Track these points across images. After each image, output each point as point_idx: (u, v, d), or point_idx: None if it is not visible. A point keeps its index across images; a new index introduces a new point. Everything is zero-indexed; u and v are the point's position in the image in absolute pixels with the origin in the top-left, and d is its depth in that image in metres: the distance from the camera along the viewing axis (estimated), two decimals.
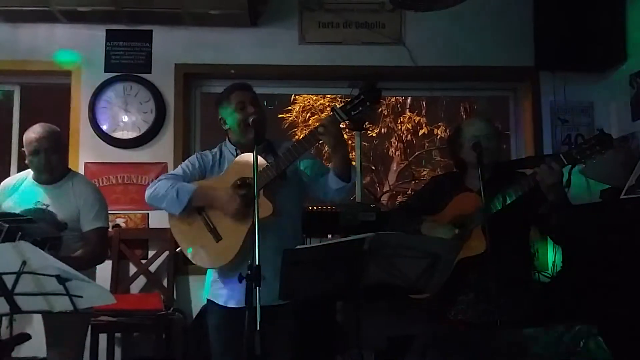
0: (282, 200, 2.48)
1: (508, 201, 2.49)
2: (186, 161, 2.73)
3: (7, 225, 2.57)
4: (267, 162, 2.45)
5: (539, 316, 2.52)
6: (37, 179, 3.01)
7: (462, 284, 2.54)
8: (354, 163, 4.71)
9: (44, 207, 2.93)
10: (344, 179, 2.42)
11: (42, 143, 2.91)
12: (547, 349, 2.03)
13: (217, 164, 2.67)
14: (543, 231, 2.80)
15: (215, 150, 2.72)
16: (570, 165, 2.43)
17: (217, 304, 2.57)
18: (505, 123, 4.87)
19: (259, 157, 2.38)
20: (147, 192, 2.61)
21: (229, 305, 2.52)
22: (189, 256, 2.57)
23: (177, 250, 3.07)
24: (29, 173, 3.05)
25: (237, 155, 2.60)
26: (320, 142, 2.45)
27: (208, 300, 2.63)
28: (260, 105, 2.65)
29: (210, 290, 2.62)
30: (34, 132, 2.94)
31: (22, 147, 3.00)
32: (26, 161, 2.99)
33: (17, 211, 2.89)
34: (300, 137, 2.56)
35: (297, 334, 2.58)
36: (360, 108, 2.37)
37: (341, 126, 2.44)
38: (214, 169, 2.66)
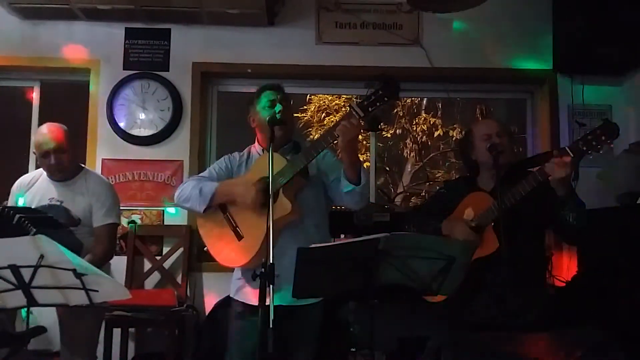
0: (304, 201, 2.48)
1: (517, 199, 2.41)
2: (214, 163, 2.77)
3: (19, 216, 2.61)
4: (287, 161, 2.44)
5: (552, 320, 2.50)
6: (51, 177, 3.06)
7: (476, 285, 2.51)
8: (367, 164, 4.72)
9: (58, 203, 3.00)
10: (352, 181, 2.38)
11: (50, 145, 2.95)
12: (559, 352, 2.02)
13: (244, 164, 2.69)
14: (556, 230, 2.73)
15: (244, 152, 2.75)
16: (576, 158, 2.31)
17: (238, 301, 2.59)
18: (522, 126, 4.83)
19: (281, 156, 2.39)
20: (175, 195, 2.66)
21: (250, 303, 2.52)
22: (213, 255, 2.59)
23: (205, 249, 3.12)
24: (43, 170, 3.10)
25: None
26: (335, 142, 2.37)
27: (230, 297, 2.65)
28: (290, 106, 2.66)
29: (233, 287, 2.65)
30: (40, 135, 2.99)
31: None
32: (38, 162, 3.04)
33: (32, 207, 2.94)
34: (317, 137, 2.55)
35: (318, 335, 2.58)
36: (378, 104, 2.29)
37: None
38: (240, 169, 2.68)
